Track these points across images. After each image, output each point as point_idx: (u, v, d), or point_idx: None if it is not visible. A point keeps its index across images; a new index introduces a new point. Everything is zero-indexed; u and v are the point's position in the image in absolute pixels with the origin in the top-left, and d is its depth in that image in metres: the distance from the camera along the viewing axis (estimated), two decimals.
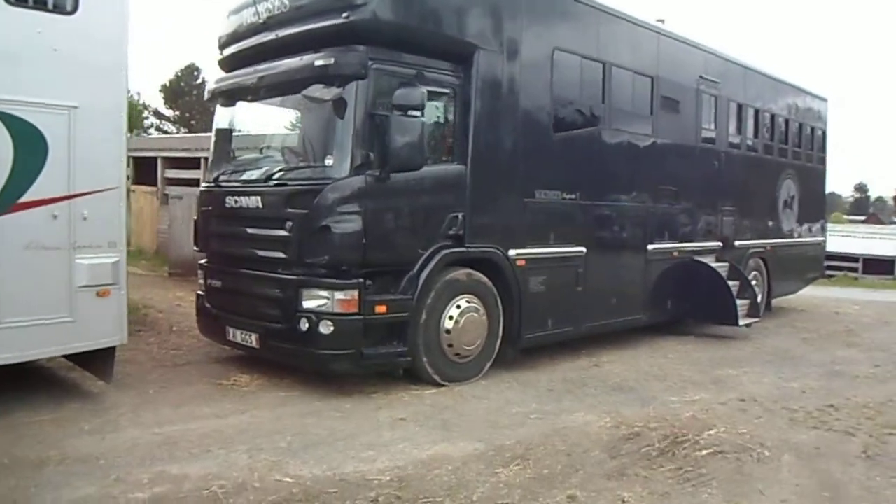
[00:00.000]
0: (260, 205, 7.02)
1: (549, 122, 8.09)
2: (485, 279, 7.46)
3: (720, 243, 11.00)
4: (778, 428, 6.25)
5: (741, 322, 10.23)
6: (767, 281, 12.32)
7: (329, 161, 6.61)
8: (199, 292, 8.03)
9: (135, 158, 18.98)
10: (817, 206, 14.47)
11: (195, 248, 8.17)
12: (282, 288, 6.78)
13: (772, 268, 12.35)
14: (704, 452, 5.55)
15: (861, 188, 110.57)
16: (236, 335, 7.33)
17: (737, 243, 11.41)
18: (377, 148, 6.53)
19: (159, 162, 17.49)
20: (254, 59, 7.47)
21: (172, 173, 17.14)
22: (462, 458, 5.29)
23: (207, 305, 7.84)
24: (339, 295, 6.47)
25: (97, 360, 6.27)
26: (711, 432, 6.00)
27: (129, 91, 6.11)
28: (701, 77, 10.42)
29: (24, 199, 5.56)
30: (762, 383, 7.88)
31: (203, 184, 8.08)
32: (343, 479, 4.82)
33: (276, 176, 6.98)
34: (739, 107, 11.49)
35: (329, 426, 5.93)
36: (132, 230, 18.50)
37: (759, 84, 12.06)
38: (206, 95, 8.08)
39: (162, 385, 7.01)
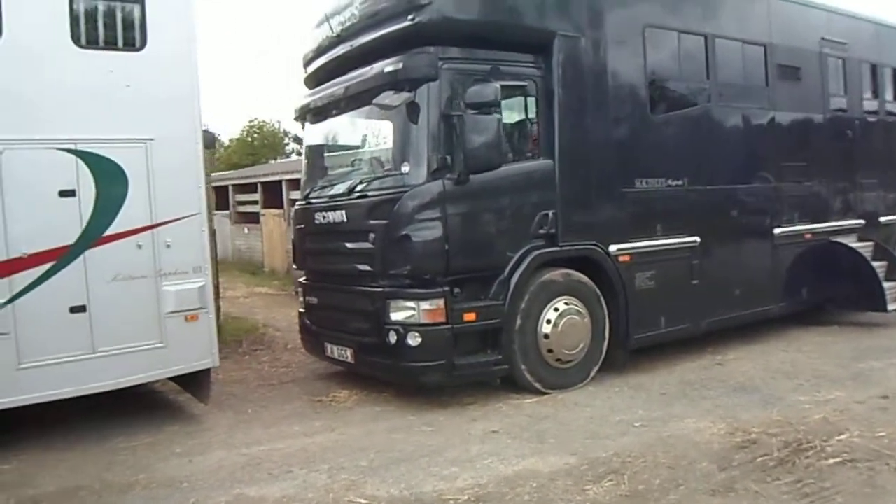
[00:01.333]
0: (345, 219, 6.95)
1: (646, 105, 7.51)
2: (585, 279, 7.01)
3: (862, 221, 9.87)
4: None
5: (890, 307, 9.09)
6: None
7: (406, 168, 6.43)
8: (301, 310, 8.07)
9: (263, 184, 19.92)
10: None
11: (294, 266, 8.23)
12: (370, 301, 6.65)
13: None
14: (831, 461, 4.87)
15: None
16: (333, 351, 7.30)
17: (882, 219, 10.21)
18: (454, 151, 6.27)
19: (284, 185, 18.10)
20: (334, 72, 7.43)
21: (296, 194, 17.63)
22: (550, 473, 4.91)
23: (307, 322, 7.87)
24: (424, 305, 6.26)
25: (194, 383, 6.38)
26: (842, 437, 5.29)
27: (201, 120, 6.14)
28: (823, 39, 9.41)
29: (110, 231, 5.74)
30: None
31: (298, 202, 8.13)
32: (419, 499, 4.60)
33: (357, 189, 6.90)
34: (874, 68, 10.28)
35: (417, 441, 5.71)
36: (266, 252, 19.37)
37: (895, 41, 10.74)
38: (293, 114, 8.12)
39: (262, 404, 7.07)
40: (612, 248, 7.13)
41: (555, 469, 4.98)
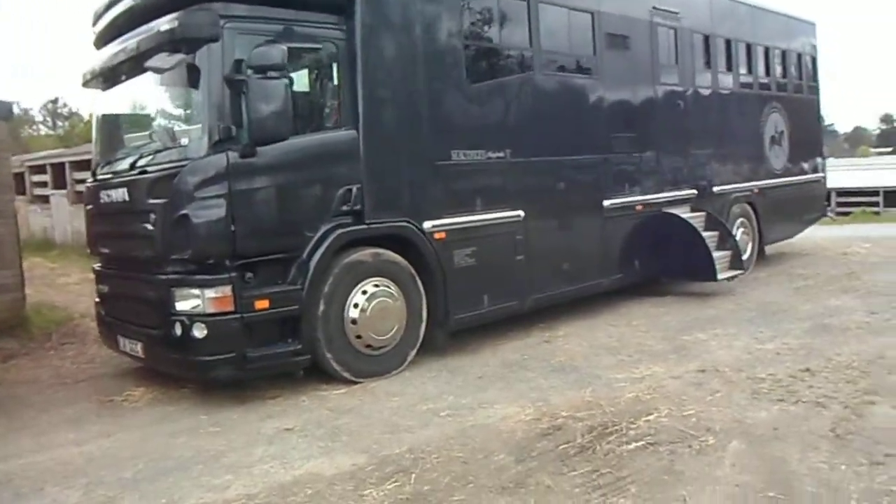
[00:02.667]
0: (127, 197, 6.19)
1: (462, 73, 7.06)
2: (397, 258, 6.55)
3: (695, 191, 9.91)
4: (735, 405, 5.28)
5: (720, 276, 9.18)
6: (758, 227, 11.18)
7: (185, 140, 5.74)
8: (96, 299, 7.25)
9: None
10: (812, 140, 13.12)
11: (88, 250, 7.39)
12: (155, 290, 5.96)
13: (762, 212, 11.19)
14: (633, 446, 4.62)
15: (887, 119, 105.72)
16: (126, 344, 6.55)
17: (716, 189, 10.29)
18: (240, 120, 5.63)
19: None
20: (121, 30, 6.49)
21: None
22: (332, 476, 4.44)
23: (102, 313, 7.06)
24: (209, 293, 5.62)
25: None
26: (650, 418, 5.08)
27: None
28: (655, 8, 9.29)
29: None
30: (732, 347, 6.89)
31: (87, 180, 7.26)
32: None
33: (139, 163, 6.14)
34: (706, 39, 10.29)
35: (198, 445, 5.11)
36: None
37: (729, 12, 10.76)
38: (80, 80, 7.19)
39: (43, 408, 6.26)
40: (427, 224, 6.70)
41: (339, 471, 4.51)
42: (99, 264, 7.18)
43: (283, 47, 5.60)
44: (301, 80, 6.19)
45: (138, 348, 6.33)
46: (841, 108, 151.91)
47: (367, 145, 6.28)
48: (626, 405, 5.38)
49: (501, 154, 7.36)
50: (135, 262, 6.28)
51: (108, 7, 6.72)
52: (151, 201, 5.85)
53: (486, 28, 7.42)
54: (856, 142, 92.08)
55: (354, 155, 6.24)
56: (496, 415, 5.38)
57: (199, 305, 5.66)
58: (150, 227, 5.87)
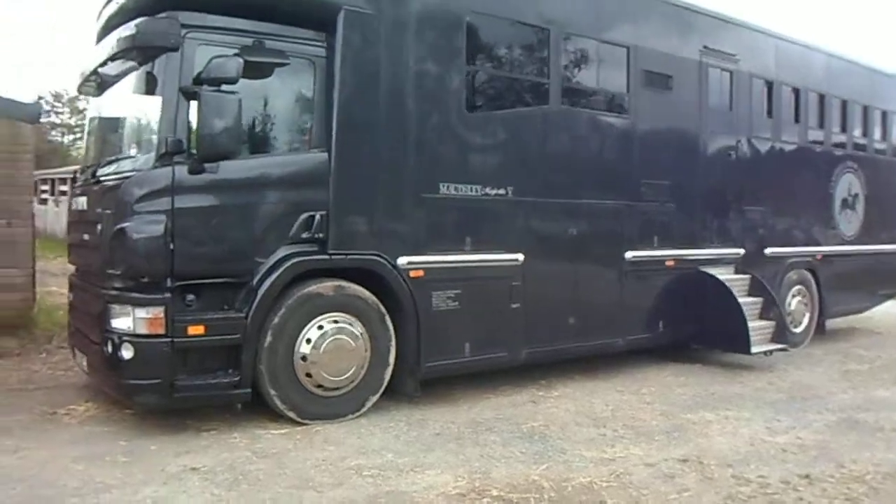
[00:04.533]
0: (85, 206, 5.97)
1: (461, 101, 6.48)
2: (365, 294, 6.02)
3: (741, 251, 8.94)
4: None
5: (755, 349, 8.15)
6: (818, 298, 10.02)
7: (134, 150, 5.45)
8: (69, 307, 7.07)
9: None
10: (894, 206, 11.74)
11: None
12: (97, 303, 5.66)
13: (824, 282, 10.02)
14: None
15: None
16: (78, 356, 6.31)
17: (768, 251, 9.27)
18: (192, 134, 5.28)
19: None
20: (107, 31, 6.29)
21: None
22: None
23: (70, 322, 6.88)
24: (140, 312, 5.25)
25: None
26: None
27: None
28: (706, 48, 8.47)
29: None
30: (736, 434, 5.97)
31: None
32: None
33: (100, 172, 5.92)
34: (769, 86, 9.34)
35: (91, 475, 4.69)
36: None
37: (799, 59, 9.76)
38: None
39: None
40: (402, 260, 6.14)
41: None
42: (73, 272, 6.99)
43: (240, 61, 5.23)
44: (270, 97, 5.79)
45: (84, 363, 6.07)
46: None
47: (338, 170, 5.82)
48: (573, 492, 4.64)
49: (502, 191, 6.75)
50: (88, 273, 6.04)
51: (105, 4, 6.56)
52: (99, 211, 5.59)
53: (494, 54, 6.88)
54: None
55: (322, 179, 5.78)
56: (422, 483, 4.74)
57: (130, 325, 5.31)
58: (96, 237, 5.60)
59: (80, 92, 6.93)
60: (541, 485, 4.73)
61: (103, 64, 5.87)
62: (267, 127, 5.73)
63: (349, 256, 5.94)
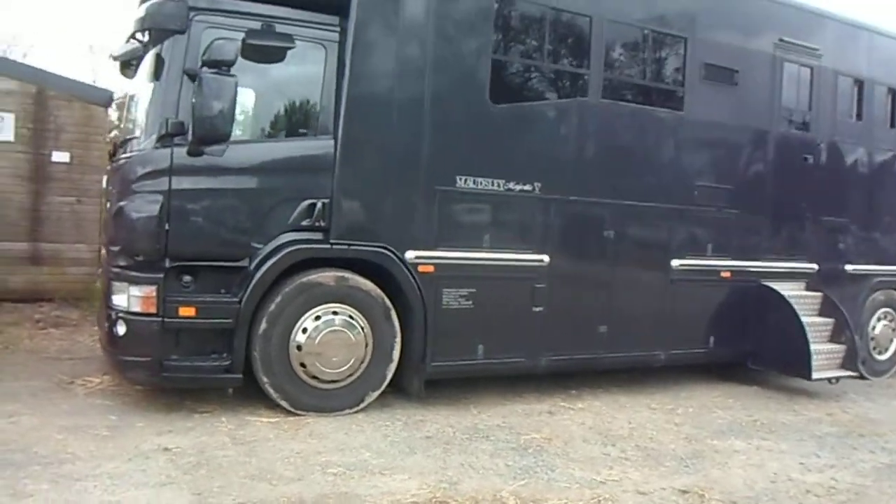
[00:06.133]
0: (105, 184, 6.12)
1: (483, 89, 6.18)
2: (369, 286, 5.85)
3: (815, 266, 8.12)
4: None
5: (817, 374, 7.37)
6: None
7: (138, 131, 5.52)
8: None
9: None
10: None
11: None
12: (106, 279, 5.80)
13: None
14: None
15: None
16: (97, 331, 6.49)
17: (850, 268, 8.39)
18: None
19: None
20: None
21: None
22: None
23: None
24: (134, 290, 5.32)
25: None
26: None
27: None
28: (782, 41, 7.72)
29: None
30: (761, 468, 5.39)
31: None
32: None
33: (117, 152, 6.06)
34: (859, 84, 8.42)
35: (66, 445, 4.79)
36: None
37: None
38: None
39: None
40: (410, 254, 5.92)
41: None
42: None
43: (238, 44, 5.18)
44: (277, 81, 5.72)
45: (98, 337, 6.23)
46: None
47: (344, 157, 5.67)
48: None
49: (528, 187, 6.39)
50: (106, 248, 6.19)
51: None
52: (110, 189, 5.70)
53: (525, 42, 6.52)
54: None
55: (327, 166, 5.65)
56: (383, 487, 4.52)
57: (125, 302, 5.39)
58: (108, 215, 5.73)
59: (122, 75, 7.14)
60: (506, 502, 4.41)
61: (124, 46, 5.99)
62: (273, 112, 5.65)
63: (352, 247, 5.77)
